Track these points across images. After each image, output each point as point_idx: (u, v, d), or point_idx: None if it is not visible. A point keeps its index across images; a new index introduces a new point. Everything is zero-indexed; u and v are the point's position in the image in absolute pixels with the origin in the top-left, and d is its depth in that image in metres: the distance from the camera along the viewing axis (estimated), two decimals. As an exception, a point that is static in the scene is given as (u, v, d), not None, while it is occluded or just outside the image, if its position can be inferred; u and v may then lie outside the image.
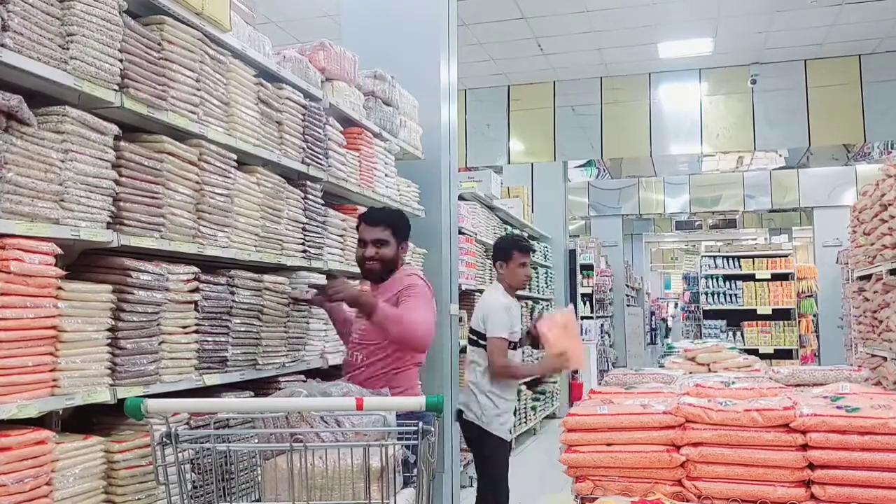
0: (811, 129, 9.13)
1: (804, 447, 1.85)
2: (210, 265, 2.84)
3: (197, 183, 2.70)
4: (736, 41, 8.73)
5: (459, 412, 4.07)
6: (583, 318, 10.80)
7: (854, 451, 1.80)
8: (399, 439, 2.13)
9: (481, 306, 4.11)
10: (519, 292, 8.23)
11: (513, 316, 4.00)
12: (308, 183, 3.51)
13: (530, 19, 8.00)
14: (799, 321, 11.73)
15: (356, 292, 2.92)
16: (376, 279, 3.10)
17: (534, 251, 4.57)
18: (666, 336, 21.29)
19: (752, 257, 12.11)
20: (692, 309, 14.01)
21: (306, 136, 3.47)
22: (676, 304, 19.18)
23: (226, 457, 2.09)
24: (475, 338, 4.07)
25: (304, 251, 3.43)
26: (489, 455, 3.97)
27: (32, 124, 2.08)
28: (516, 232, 8.17)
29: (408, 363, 3.01)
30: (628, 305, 15.89)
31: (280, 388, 3.20)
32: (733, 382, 2.33)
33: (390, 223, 3.11)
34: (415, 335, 2.81)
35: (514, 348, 4.02)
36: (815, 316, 12.62)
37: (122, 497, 2.27)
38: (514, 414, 7.75)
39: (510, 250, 4.10)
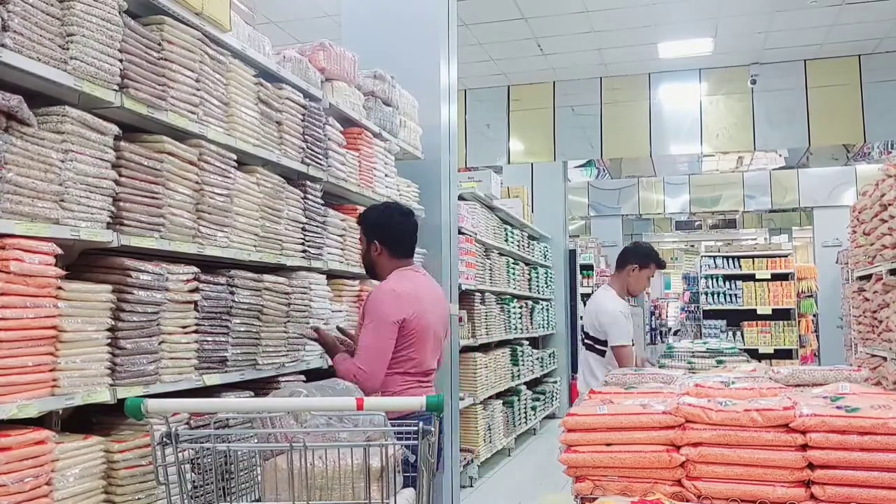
0: (811, 129, 9.13)
1: (804, 447, 1.85)
2: (210, 265, 2.84)
3: (197, 183, 2.71)
4: (736, 41, 8.73)
5: None
6: (582, 318, 10.80)
7: (854, 451, 1.80)
8: (399, 439, 2.13)
9: (596, 312, 4.12)
10: (518, 292, 8.21)
11: (629, 320, 4.08)
12: (308, 183, 3.51)
13: (530, 19, 8.00)
14: (799, 321, 11.72)
15: (325, 341, 3.11)
16: (373, 278, 3.20)
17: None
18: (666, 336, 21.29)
19: (752, 257, 12.11)
20: (692, 309, 14.00)
21: (306, 136, 3.47)
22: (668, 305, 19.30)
23: (226, 457, 2.09)
24: (590, 342, 4.09)
25: (304, 251, 3.43)
26: None
27: (32, 124, 2.08)
28: (516, 232, 8.17)
29: (390, 371, 2.92)
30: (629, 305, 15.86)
31: (278, 388, 3.21)
32: (733, 382, 2.33)
33: (360, 222, 3.18)
34: (354, 382, 2.78)
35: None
36: (814, 316, 12.61)
37: (122, 497, 2.28)
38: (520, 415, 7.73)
39: (649, 260, 4.18)
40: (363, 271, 3.97)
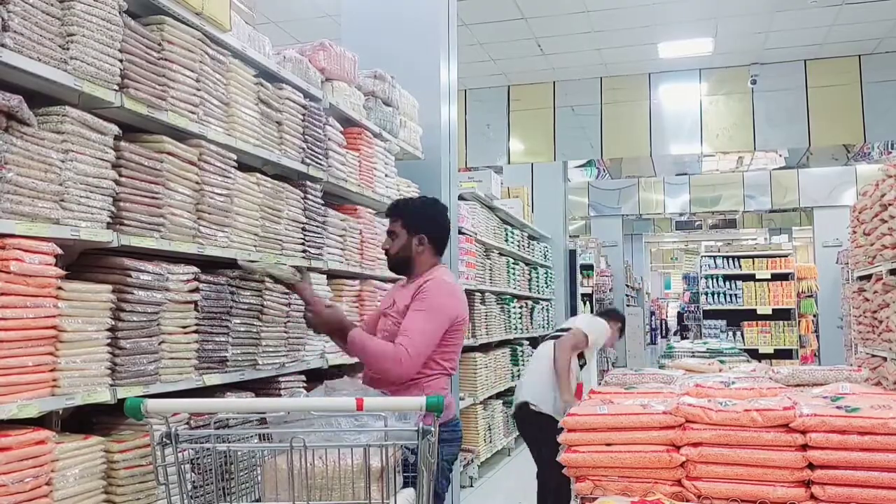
0: (811, 129, 9.12)
1: (804, 447, 1.85)
2: (210, 265, 2.84)
3: (197, 183, 2.70)
4: (736, 41, 8.73)
5: (525, 405, 4.30)
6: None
7: (854, 451, 1.80)
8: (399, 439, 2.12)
9: (590, 324, 4.59)
10: (518, 292, 8.23)
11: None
12: (308, 183, 3.51)
13: (530, 19, 8.00)
14: (799, 321, 11.73)
15: (327, 317, 2.77)
16: (399, 272, 2.93)
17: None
18: (665, 336, 21.32)
19: (752, 257, 12.11)
20: (692, 309, 14.01)
21: (306, 137, 3.47)
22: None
23: (226, 457, 2.09)
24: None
25: (304, 251, 3.43)
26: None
27: (32, 124, 2.08)
28: (516, 232, 8.17)
29: (434, 371, 2.71)
30: (628, 305, 15.90)
31: (282, 389, 3.21)
32: (733, 382, 2.33)
33: (400, 213, 2.88)
34: (379, 369, 2.62)
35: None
36: (815, 316, 12.62)
37: (122, 497, 2.27)
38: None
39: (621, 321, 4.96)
40: (363, 271, 3.98)
